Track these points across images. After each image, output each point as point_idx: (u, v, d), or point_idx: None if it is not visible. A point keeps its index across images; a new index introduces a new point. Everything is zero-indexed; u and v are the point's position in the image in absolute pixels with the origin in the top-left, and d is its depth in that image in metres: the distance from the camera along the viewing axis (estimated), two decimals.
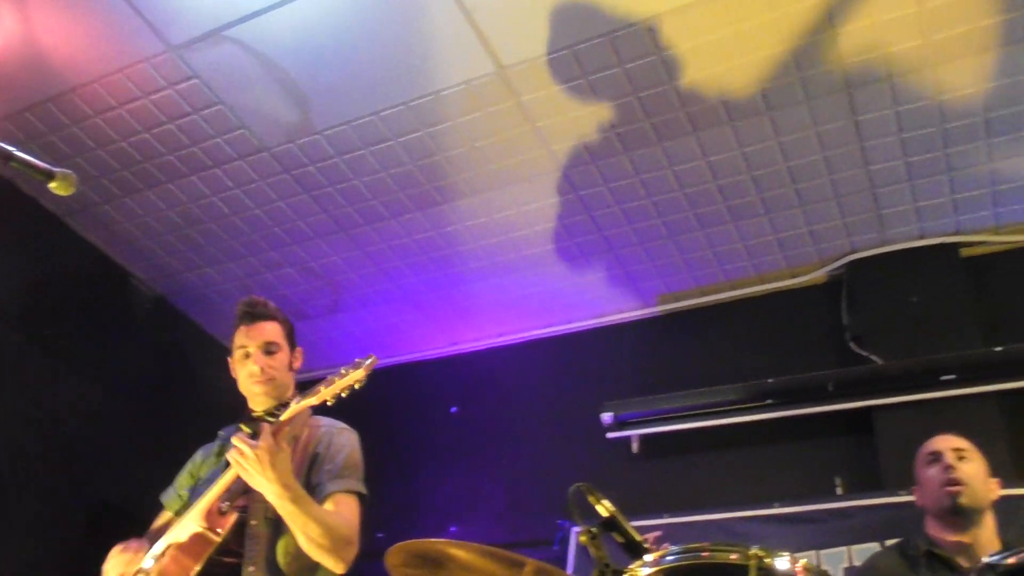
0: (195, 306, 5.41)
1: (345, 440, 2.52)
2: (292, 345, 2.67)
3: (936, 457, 2.57)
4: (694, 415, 4.45)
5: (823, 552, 3.80)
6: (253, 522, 2.37)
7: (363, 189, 4.52)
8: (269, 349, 2.58)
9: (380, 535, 3.25)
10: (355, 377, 2.21)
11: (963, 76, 3.68)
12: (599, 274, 4.87)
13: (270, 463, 2.19)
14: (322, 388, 2.26)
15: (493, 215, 4.56)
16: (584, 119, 4.01)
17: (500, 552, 1.87)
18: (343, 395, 2.25)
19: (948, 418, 3.67)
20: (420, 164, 4.30)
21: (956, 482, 2.49)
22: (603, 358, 4.92)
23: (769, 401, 4.32)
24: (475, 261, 4.85)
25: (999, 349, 3.95)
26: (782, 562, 1.44)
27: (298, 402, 2.31)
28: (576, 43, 3.69)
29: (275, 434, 2.26)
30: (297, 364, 2.68)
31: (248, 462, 2.21)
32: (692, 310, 4.89)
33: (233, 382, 2.71)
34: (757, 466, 4.34)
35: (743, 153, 4.14)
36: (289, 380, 2.64)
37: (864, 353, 4.24)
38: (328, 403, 2.28)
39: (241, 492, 2.37)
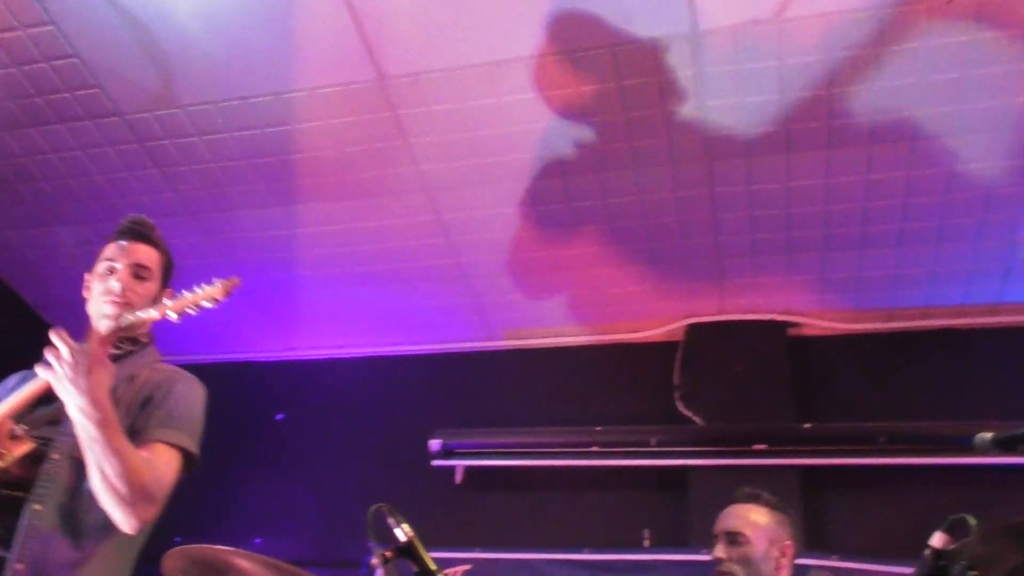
0: (11, 266, 4.99)
1: (188, 390, 2.22)
2: (164, 284, 2.33)
3: (715, 540, 2.56)
4: (521, 453, 4.54)
5: None
6: (55, 456, 2.04)
7: (220, 174, 4.33)
8: (139, 273, 2.25)
9: (178, 540, 3.06)
10: (208, 293, 1.97)
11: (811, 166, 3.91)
12: (449, 300, 4.86)
13: (87, 369, 1.89)
14: (169, 302, 2.03)
15: (350, 224, 4.47)
16: (459, 143, 4.00)
17: (287, 567, 1.78)
18: (192, 312, 2.00)
19: (755, 484, 3.83)
20: (284, 159, 4.17)
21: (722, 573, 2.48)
22: (440, 385, 4.93)
23: (594, 448, 4.46)
24: (324, 268, 4.73)
25: (807, 426, 4.22)
26: None
27: (140, 315, 2.04)
28: (461, 66, 3.68)
29: (104, 342, 2.01)
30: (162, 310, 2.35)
31: (62, 364, 1.90)
32: (535, 349, 4.95)
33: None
34: (573, 510, 4.44)
35: (606, 204, 4.24)
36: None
37: (688, 413, 4.43)
38: (175, 319, 2.02)
39: (47, 421, 2.07)
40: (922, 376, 4.38)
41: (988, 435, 2.02)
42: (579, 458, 4.39)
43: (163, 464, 2.04)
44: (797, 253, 4.36)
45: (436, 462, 4.55)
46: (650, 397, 4.57)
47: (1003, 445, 1.98)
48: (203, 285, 2.01)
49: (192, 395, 2.22)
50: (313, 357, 5.22)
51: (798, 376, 4.44)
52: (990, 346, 4.37)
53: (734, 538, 2.48)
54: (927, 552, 1.50)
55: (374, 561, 1.61)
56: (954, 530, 1.53)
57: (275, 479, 4.80)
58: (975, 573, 1.45)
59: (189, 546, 1.85)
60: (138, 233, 2.29)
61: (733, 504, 2.59)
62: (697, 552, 3.76)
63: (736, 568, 2.44)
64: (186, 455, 2.13)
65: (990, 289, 4.37)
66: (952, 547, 1.51)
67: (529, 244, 4.48)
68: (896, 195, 3.97)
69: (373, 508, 1.70)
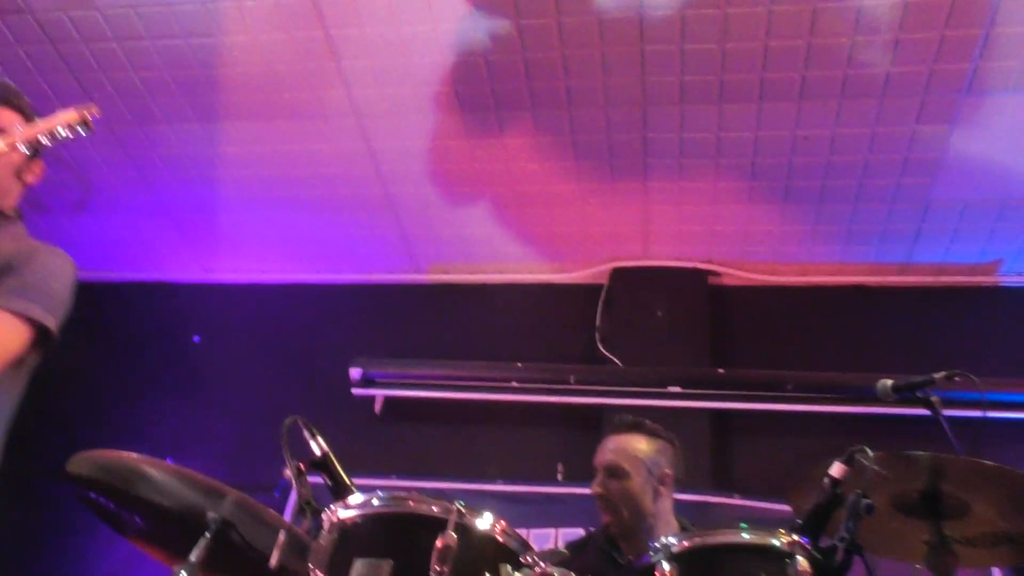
0: None
1: (51, 263, 1.99)
2: (34, 154, 2.11)
3: (595, 472, 2.52)
4: (441, 385, 4.55)
5: (533, 531, 3.97)
6: None
7: (139, 84, 4.11)
8: None
9: None
10: (62, 118, 1.81)
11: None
12: (375, 230, 4.76)
13: None
14: (20, 128, 1.84)
15: (277, 146, 4.31)
16: (393, 70, 3.88)
17: (200, 479, 1.74)
18: (46, 141, 1.84)
19: (667, 425, 3.97)
20: (209, 73, 3.97)
21: (604, 509, 2.45)
22: (363, 315, 4.85)
23: (514, 383, 4.51)
24: (247, 190, 4.57)
25: (721, 371, 4.36)
26: (482, 521, 1.45)
27: None
28: None
29: None
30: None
31: None
32: (460, 284, 4.92)
33: None
34: (490, 443, 4.47)
35: (538, 142, 4.19)
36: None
37: (608, 354, 4.50)
38: (25, 151, 1.89)
39: None
40: (832, 329, 4.53)
41: (889, 382, 2.25)
42: (498, 392, 4.42)
43: (5, 333, 1.83)
44: (721, 204, 4.41)
45: (356, 391, 4.52)
46: (571, 337, 4.62)
47: (902, 391, 2.20)
48: (57, 112, 1.84)
49: (53, 267, 1.99)
50: (233, 281, 5.08)
51: (716, 324, 4.55)
52: (897, 304, 4.52)
53: (613, 471, 2.45)
54: (825, 480, 1.54)
55: (287, 473, 1.59)
56: (851, 461, 1.56)
57: (189, 402, 4.69)
58: (868, 500, 1.49)
59: (96, 452, 1.78)
60: None
61: (613, 434, 2.54)
62: None
63: (616, 502, 2.41)
64: (40, 330, 1.90)
65: (901, 249, 4.48)
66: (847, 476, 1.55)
67: (460, 178, 4.41)
68: (821, 152, 4.02)
69: (288, 420, 1.67)
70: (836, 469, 1.55)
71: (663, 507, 2.49)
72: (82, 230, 4.92)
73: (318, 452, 1.69)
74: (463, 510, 1.42)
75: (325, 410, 4.23)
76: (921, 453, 1.92)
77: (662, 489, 2.47)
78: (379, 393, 4.56)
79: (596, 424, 4.25)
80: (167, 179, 4.59)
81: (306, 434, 1.72)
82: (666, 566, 1.43)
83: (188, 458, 4.50)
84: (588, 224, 4.57)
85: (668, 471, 2.50)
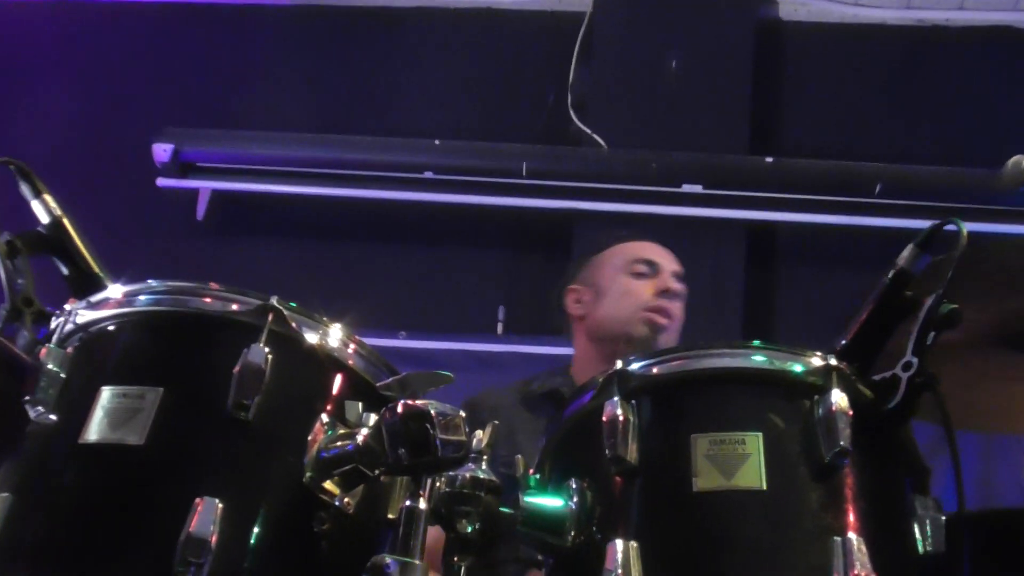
0: None
1: None
2: None
3: (652, 270, 2.10)
4: (306, 175, 3.22)
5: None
6: None
7: None
8: None
9: None
10: None
11: None
12: None
13: None
14: None
15: None
16: None
17: None
18: None
19: (681, 246, 2.73)
20: None
21: (669, 314, 2.05)
22: (177, 50, 3.43)
23: (427, 174, 3.17)
24: None
25: (769, 160, 3.26)
26: (319, 332, 1.06)
27: None
28: None
29: None
30: None
31: None
32: (344, 7, 3.40)
33: None
34: (386, 271, 3.25)
35: None
36: None
37: (585, 129, 3.36)
38: None
39: None
40: (950, 98, 3.38)
41: None
42: (403, 189, 3.20)
43: None
44: None
45: (164, 181, 3.17)
46: (526, 101, 3.43)
47: None
48: None
49: None
50: None
51: (762, 85, 3.39)
52: None
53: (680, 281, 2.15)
54: (889, 273, 1.14)
55: None
56: (929, 242, 1.14)
57: None
58: (954, 305, 1.09)
59: None
60: None
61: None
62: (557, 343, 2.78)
63: (676, 320, 2.04)
64: None
65: None
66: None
67: None
68: None
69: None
70: (907, 256, 1.14)
71: None
72: None
73: (45, 218, 1.25)
74: (285, 312, 1.03)
75: (111, 207, 3.12)
76: None
77: None
78: (203, 185, 3.25)
79: (560, 242, 3.14)
80: None
81: (23, 188, 1.25)
82: (618, 409, 1.02)
83: None
84: None
85: None
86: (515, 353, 2.97)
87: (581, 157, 3.26)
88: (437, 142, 3.15)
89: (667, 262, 2.09)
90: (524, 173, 3.15)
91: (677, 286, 2.04)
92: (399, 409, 0.95)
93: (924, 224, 1.52)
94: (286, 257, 3.15)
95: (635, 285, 2.03)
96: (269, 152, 3.14)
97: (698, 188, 3.16)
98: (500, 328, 3.09)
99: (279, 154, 3.11)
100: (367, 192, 3.10)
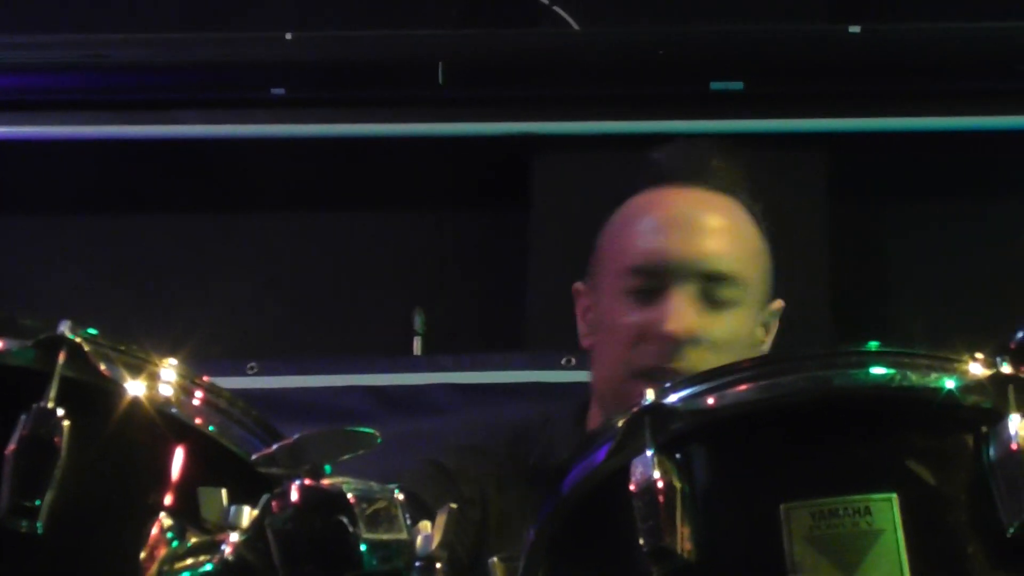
0: None
1: None
2: None
3: (654, 282, 1.33)
4: (74, 103, 2.12)
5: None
6: None
7: None
8: None
9: None
10: None
11: None
12: None
13: None
14: None
15: None
16: None
17: None
18: None
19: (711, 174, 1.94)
20: None
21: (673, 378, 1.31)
22: None
23: (276, 91, 2.13)
24: None
25: (855, 30, 2.36)
26: (131, 374, 0.75)
27: None
28: None
29: None
30: None
31: None
32: None
33: None
34: (227, 271, 2.16)
35: None
36: None
37: (554, 7, 2.50)
38: None
39: None
40: None
41: None
42: (235, 118, 2.14)
43: None
44: None
45: None
46: None
47: None
48: None
49: None
50: None
51: None
52: None
53: (718, 279, 1.39)
54: None
55: None
56: None
57: None
58: None
59: None
60: None
61: (681, 186, 1.39)
62: (539, 365, 2.02)
63: (707, 355, 1.35)
64: None
65: None
66: None
67: None
68: None
69: None
70: None
71: None
72: None
73: None
74: (86, 346, 0.73)
75: None
76: None
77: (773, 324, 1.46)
78: None
79: (517, 191, 2.21)
80: None
81: None
82: (654, 469, 0.73)
83: None
84: None
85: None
86: (444, 385, 1.90)
87: (542, 44, 2.24)
88: (289, 36, 1.97)
89: (686, 255, 1.32)
90: (441, 79, 2.01)
91: (687, 323, 1.29)
92: (293, 496, 0.73)
93: None
94: (59, 257, 1.92)
95: (626, 322, 1.31)
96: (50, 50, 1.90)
97: (738, 86, 2.11)
98: (418, 346, 2.00)
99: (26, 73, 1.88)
100: (175, 129, 1.92)
